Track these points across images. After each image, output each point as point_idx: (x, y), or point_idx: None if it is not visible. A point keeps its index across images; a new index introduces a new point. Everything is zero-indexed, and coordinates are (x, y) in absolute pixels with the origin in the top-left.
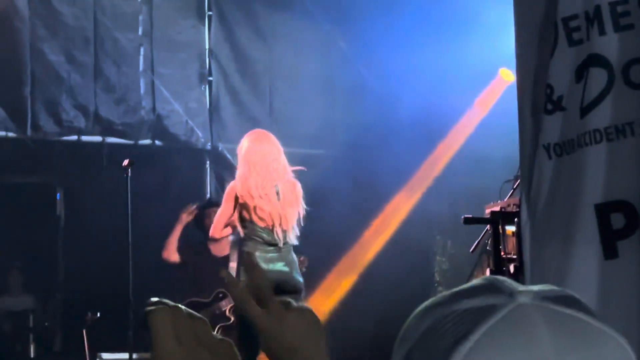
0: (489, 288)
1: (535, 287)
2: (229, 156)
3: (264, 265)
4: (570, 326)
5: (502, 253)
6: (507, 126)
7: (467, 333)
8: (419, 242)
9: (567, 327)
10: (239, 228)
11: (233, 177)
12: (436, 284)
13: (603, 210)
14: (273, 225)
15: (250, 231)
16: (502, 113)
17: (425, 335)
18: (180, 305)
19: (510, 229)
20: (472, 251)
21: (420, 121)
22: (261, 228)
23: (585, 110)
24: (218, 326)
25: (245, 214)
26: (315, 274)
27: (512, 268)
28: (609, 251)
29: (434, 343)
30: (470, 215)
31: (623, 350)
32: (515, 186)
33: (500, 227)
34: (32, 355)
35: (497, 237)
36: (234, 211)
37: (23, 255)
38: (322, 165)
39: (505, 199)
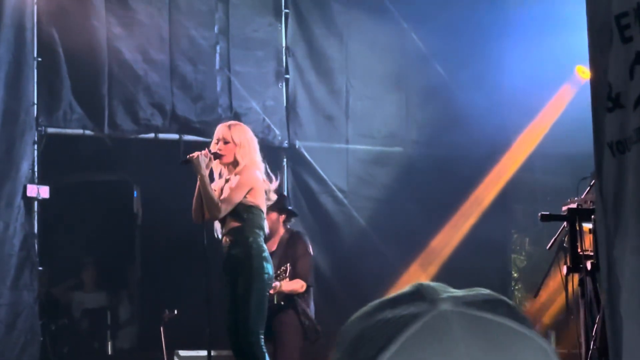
0: (413, 295)
1: (460, 292)
2: (306, 154)
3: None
4: (488, 331)
5: (579, 250)
6: (583, 123)
7: (387, 342)
8: (496, 240)
9: (484, 332)
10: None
11: (310, 175)
12: (513, 282)
13: None
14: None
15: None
16: (579, 110)
17: (352, 345)
18: None
19: (587, 225)
20: (549, 248)
21: (497, 118)
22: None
23: (636, 108)
24: None
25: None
26: (390, 272)
27: (589, 265)
28: None
29: (358, 352)
30: (548, 212)
31: (544, 353)
32: (592, 183)
33: (577, 224)
34: (109, 352)
35: (574, 234)
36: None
37: (101, 252)
38: (397, 162)
39: (582, 196)
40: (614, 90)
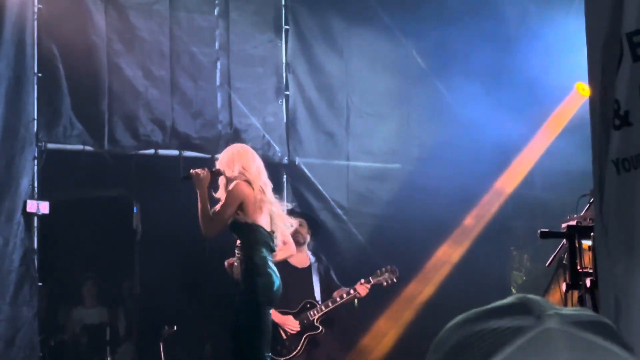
0: (519, 308)
1: (567, 311)
2: (306, 170)
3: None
4: (592, 353)
5: (578, 267)
6: (583, 140)
7: (491, 354)
8: (495, 256)
9: (588, 354)
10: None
11: (310, 191)
12: None
13: None
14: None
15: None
16: (579, 127)
17: (453, 351)
18: None
19: (587, 243)
20: (549, 265)
21: (497, 135)
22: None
23: None
24: (306, 335)
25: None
26: (390, 287)
27: (588, 282)
28: None
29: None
30: (547, 229)
31: None
32: (591, 200)
33: (576, 241)
34: None
35: (573, 251)
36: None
37: (100, 268)
38: (397, 179)
39: (582, 213)
40: (622, 107)
